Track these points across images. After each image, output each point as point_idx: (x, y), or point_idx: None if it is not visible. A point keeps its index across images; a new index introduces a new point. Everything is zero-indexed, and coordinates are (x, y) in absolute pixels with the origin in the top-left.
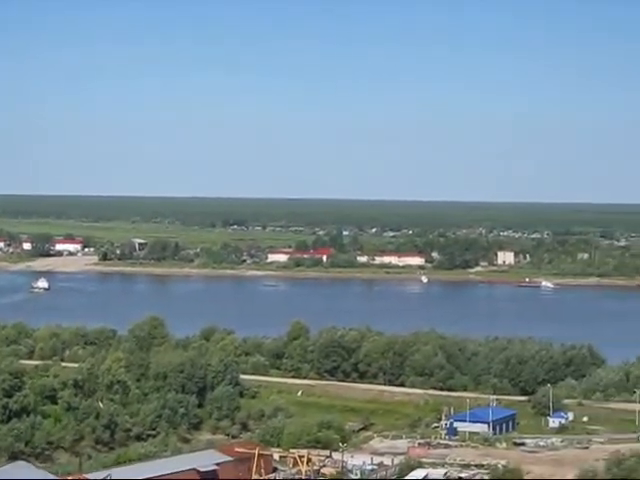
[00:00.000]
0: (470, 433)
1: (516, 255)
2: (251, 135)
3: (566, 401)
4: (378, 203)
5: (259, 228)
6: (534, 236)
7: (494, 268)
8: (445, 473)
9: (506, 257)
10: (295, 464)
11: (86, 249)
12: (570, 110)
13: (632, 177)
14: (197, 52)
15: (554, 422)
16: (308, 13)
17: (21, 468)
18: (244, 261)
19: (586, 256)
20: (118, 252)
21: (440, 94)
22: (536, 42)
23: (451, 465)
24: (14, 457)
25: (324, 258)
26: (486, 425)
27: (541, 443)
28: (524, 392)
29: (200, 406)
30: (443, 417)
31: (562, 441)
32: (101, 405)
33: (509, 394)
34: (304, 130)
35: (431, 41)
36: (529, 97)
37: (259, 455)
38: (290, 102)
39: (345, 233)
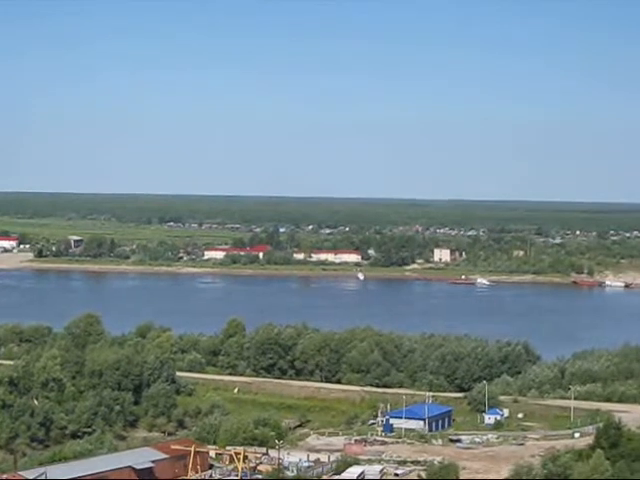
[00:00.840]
0: (406, 430)
1: (452, 252)
2: (186, 131)
3: (501, 398)
4: (314, 200)
5: (195, 225)
6: (470, 233)
7: (430, 265)
8: (381, 470)
9: (442, 254)
10: (231, 461)
11: (21, 246)
12: (506, 108)
13: (566, 176)
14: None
15: (489, 419)
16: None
17: None
18: (180, 258)
19: (521, 253)
20: (54, 249)
21: (371, 89)
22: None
23: (387, 462)
24: None
25: (261, 255)
26: (422, 422)
27: (477, 439)
28: (460, 389)
29: (136, 403)
30: (379, 414)
31: (497, 437)
32: (36, 403)
33: (445, 391)
34: (239, 126)
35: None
36: (461, 96)
37: (195, 452)
38: (223, 99)
39: (282, 230)
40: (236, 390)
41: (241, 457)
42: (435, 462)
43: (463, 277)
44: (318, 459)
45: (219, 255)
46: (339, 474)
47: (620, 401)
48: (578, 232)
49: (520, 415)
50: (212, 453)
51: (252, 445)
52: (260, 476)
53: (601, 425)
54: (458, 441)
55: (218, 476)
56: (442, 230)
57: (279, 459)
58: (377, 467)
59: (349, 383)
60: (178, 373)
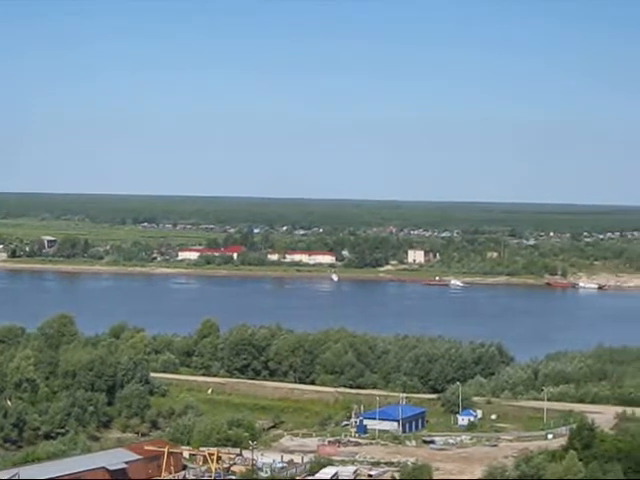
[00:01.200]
0: (380, 431)
1: (426, 254)
2: (161, 132)
3: (475, 399)
4: (289, 201)
5: (169, 226)
6: (444, 235)
7: (404, 267)
8: (355, 471)
9: (416, 256)
10: (205, 462)
11: None
12: (480, 109)
13: (540, 177)
14: None
15: (463, 420)
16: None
17: None
18: (154, 259)
19: (495, 255)
20: (27, 249)
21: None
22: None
23: (361, 463)
24: None
25: (235, 256)
26: (396, 423)
27: (450, 441)
28: (434, 390)
29: (110, 404)
30: (353, 415)
31: (471, 439)
32: (9, 403)
33: (419, 392)
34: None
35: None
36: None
37: (169, 453)
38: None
39: (256, 231)
40: (210, 391)
41: (215, 458)
42: (409, 463)
43: (437, 278)
44: (292, 460)
45: (193, 256)
46: (313, 475)
47: (593, 402)
48: (552, 234)
49: (493, 416)
50: (186, 454)
51: (226, 446)
52: (234, 477)
53: (574, 426)
54: (432, 442)
55: (192, 477)
56: (416, 231)
57: (253, 460)
58: (351, 468)
59: (323, 384)
60: (152, 374)
